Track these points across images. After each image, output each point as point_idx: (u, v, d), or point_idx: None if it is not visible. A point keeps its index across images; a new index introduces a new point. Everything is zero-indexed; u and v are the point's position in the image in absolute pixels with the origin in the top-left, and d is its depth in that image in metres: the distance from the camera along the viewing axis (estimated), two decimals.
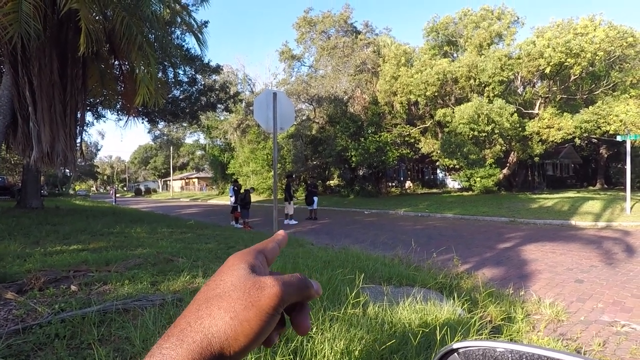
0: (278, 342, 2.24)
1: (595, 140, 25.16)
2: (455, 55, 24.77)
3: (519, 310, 3.77)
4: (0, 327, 2.59)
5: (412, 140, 23.86)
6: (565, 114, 18.88)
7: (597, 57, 16.89)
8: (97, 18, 8.97)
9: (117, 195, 32.36)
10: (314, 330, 2.42)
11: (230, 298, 0.33)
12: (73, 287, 3.53)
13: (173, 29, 15.03)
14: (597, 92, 19.60)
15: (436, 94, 20.42)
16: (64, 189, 48.81)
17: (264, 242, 0.42)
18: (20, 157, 11.46)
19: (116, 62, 10.99)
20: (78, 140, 10.32)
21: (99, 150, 68.56)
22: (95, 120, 20.62)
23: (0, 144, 8.59)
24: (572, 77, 18.87)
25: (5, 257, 4.86)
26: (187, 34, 15.49)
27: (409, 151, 24.57)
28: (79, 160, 11.36)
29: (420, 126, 23.67)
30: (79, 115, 10.16)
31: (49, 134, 8.56)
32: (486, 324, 3.27)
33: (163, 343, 0.31)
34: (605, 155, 28.18)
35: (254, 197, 13.68)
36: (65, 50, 9.14)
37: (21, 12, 7.14)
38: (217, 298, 0.34)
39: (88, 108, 15.92)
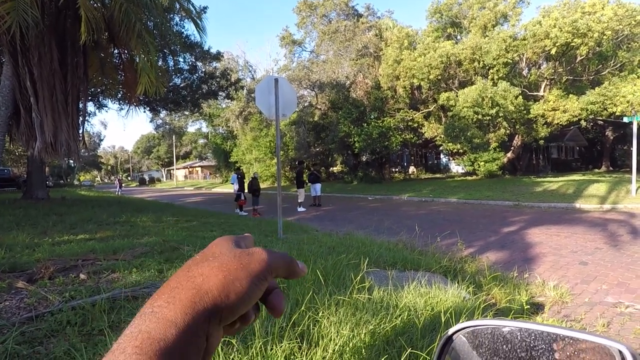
0: (285, 327, 2.28)
1: (601, 122, 24.81)
2: (459, 37, 24.29)
3: (523, 292, 3.79)
4: (13, 315, 2.65)
5: (416, 125, 23.62)
6: (570, 95, 18.57)
7: (604, 37, 16.50)
8: (95, 5, 8.85)
9: (123, 185, 32.55)
10: (320, 314, 2.45)
11: (222, 259, 0.34)
12: (82, 276, 3.59)
13: (172, 15, 14.82)
14: (604, 72, 19.20)
15: (439, 77, 20.12)
16: (68, 180, 49.09)
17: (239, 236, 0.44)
18: (24, 148, 11.49)
19: (116, 51, 10.90)
20: (81, 130, 10.33)
21: (102, 140, 68.69)
22: (97, 110, 20.65)
23: (3, 135, 8.61)
24: (579, 58, 18.49)
25: (15, 247, 4.92)
26: (186, 20, 15.28)
27: (412, 136, 24.36)
28: (82, 150, 11.40)
29: (424, 110, 23.40)
30: (80, 105, 10.14)
31: (51, 124, 8.56)
32: (491, 306, 3.30)
33: (154, 302, 0.32)
34: (611, 138, 27.85)
35: None
36: (65, 39, 9.06)
37: (19, 0, 7.05)
38: (209, 260, 0.35)
39: (89, 98, 15.88)
